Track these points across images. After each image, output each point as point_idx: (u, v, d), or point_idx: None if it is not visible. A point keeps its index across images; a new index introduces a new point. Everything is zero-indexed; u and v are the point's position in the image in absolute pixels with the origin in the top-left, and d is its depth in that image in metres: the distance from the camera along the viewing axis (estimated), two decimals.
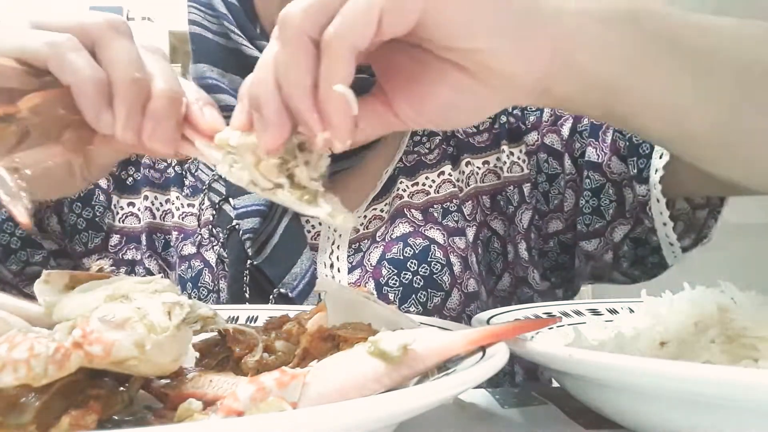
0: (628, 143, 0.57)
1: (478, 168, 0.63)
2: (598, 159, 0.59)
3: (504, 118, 0.64)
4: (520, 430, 0.37)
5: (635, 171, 0.56)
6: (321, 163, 0.33)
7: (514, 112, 0.64)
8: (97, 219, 0.64)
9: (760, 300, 0.38)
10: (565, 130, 0.61)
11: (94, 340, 0.26)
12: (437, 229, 0.60)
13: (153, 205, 0.65)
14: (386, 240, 0.60)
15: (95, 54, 0.34)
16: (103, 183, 0.65)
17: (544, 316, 0.46)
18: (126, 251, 0.64)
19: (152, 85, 0.34)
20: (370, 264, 0.59)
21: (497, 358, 0.30)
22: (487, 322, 0.41)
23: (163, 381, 0.32)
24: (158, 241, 0.65)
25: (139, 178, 0.66)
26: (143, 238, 0.64)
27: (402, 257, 0.58)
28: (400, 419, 0.25)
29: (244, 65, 0.57)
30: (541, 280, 0.64)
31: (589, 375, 0.32)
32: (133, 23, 2.18)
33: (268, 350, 0.35)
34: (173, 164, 0.66)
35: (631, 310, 0.43)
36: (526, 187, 0.62)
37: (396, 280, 0.57)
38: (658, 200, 0.54)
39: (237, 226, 0.59)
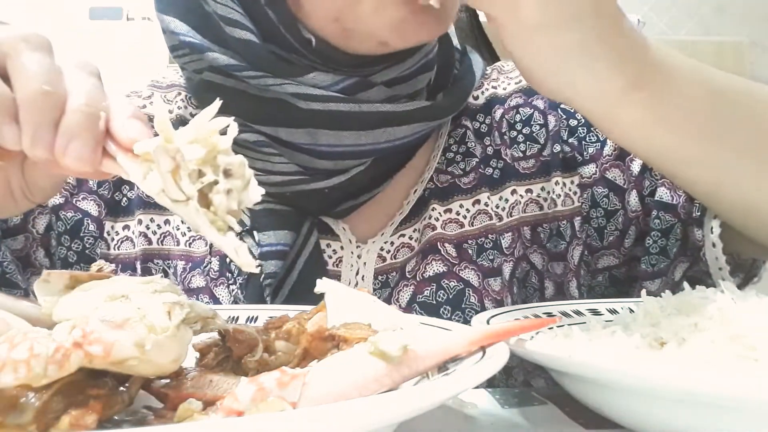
0: None
1: (521, 196, 0.60)
2: (672, 200, 0.57)
3: (558, 147, 0.60)
4: (520, 430, 0.37)
5: (698, 213, 0.55)
6: (245, 197, 0.29)
7: (570, 140, 0.61)
8: (87, 251, 0.58)
9: (760, 300, 0.38)
10: (636, 167, 0.59)
11: (94, 340, 0.26)
12: (472, 269, 0.57)
13: (148, 228, 0.58)
14: (417, 278, 0.56)
15: (5, 71, 0.33)
16: (93, 210, 0.59)
17: (544, 316, 0.46)
18: None
19: (68, 100, 0.32)
20: (400, 305, 0.55)
21: (497, 358, 0.30)
22: (487, 322, 0.41)
23: (163, 381, 0.32)
24: (155, 269, 0.58)
25: (133, 198, 0.59)
26: (138, 266, 0.58)
27: (435, 302, 0.55)
28: (400, 419, 0.25)
29: (273, 109, 0.52)
30: None
31: (589, 376, 0.32)
32: (133, 23, 2.18)
33: (268, 350, 0.35)
34: None
35: (631, 310, 0.43)
36: (577, 221, 0.59)
37: None
38: (714, 245, 0.53)
39: (260, 267, 0.52)
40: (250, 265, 0.29)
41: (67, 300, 0.32)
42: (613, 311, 0.49)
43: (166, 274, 0.58)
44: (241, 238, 0.54)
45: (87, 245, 0.59)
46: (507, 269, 0.57)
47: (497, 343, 0.32)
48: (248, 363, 0.34)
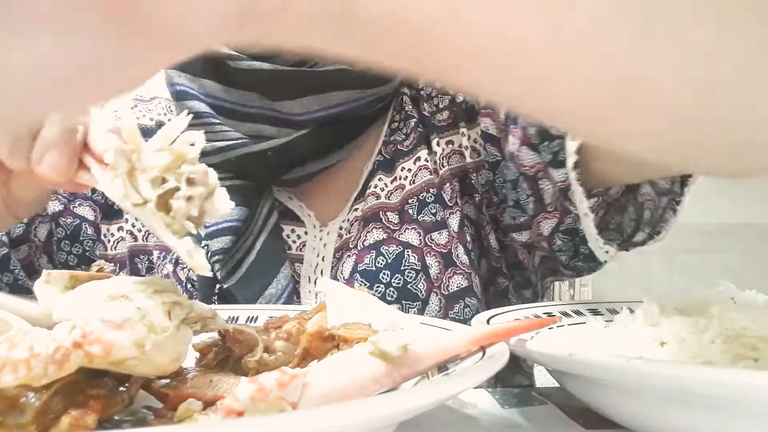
0: (537, 128, 0.51)
1: (444, 149, 0.60)
2: (514, 149, 0.53)
3: (461, 96, 0.60)
4: (520, 430, 0.37)
5: (550, 156, 0.50)
6: (209, 206, 0.30)
7: None
8: (87, 253, 0.61)
9: (760, 300, 0.38)
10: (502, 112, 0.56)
11: (94, 340, 0.26)
12: (413, 228, 0.57)
13: (134, 227, 0.61)
14: (359, 248, 0.57)
15: None
16: (90, 215, 0.62)
17: (544, 316, 0.46)
18: None
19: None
20: (343, 277, 0.56)
21: (497, 358, 0.30)
22: (487, 322, 0.41)
23: (163, 381, 0.32)
24: (141, 264, 0.61)
25: None
26: (127, 262, 0.61)
27: (374, 268, 0.56)
28: (400, 419, 0.25)
29: (214, 66, 0.55)
30: (509, 273, 0.61)
31: (589, 375, 0.32)
32: None
33: (268, 350, 0.35)
34: None
35: (631, 310, 0.43)
36: (482, 175, 0.59)
37: None
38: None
39: (206, 247, 0.55)
40: (203, 269, 0.29)
41: (67, 300, 0.32)
42: (613, 311, 0.49)
43: (150, 268, 0.61)
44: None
45: (86, 248, 0.61)
46: (455, 220, 0.58)
47: (497, 343, 0.32)
48: (248, 363, 0.34)
